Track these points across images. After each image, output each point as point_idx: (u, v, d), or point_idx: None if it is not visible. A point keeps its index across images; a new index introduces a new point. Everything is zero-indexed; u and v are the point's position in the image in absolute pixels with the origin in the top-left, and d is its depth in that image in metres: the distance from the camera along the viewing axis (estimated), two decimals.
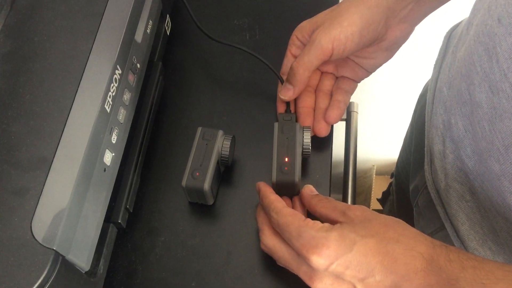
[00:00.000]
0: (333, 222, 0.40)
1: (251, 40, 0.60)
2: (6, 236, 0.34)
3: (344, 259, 0.36)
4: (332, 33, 0.47)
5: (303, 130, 0.48)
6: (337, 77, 0.54)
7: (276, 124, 0.48)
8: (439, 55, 0.59)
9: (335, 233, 0.37)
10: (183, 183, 0.46)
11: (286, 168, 0.45)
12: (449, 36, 0.59)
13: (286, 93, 0.50)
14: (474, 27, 0.44)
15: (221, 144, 0.48)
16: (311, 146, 0.48)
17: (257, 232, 0.47)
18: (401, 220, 0.39)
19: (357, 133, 0.63)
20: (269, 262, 0.46)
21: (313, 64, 0.48)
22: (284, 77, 0.52)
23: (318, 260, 0.36)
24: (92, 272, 0.43)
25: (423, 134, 0.58)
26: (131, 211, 0.49)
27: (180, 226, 0.49)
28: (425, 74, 0.66)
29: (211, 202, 0.49)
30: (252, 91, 0.57)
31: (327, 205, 0.42)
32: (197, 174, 0.46)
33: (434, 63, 0.60)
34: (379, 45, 0.50)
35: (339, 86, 0.53)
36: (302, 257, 0.38)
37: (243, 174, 0.51)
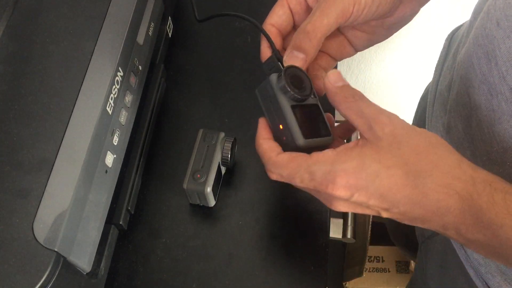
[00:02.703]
0: (355, 130, 0.35)
1: (252, 42, 0.61)
2: (8, 237, 0.34)
3: (365, 191, 0.33)
4: None
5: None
6: None
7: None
8: (440, 57, 0.59)
9: (355, 163, 0.33)
10: (184, 185, 0.46)
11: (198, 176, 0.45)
12: (451, 39, 0.59)
13: (294, 63, 0.39)
14: (474, 30, 0.44)
15: (222, 146, 0.48)
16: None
17: (258, 235, 0.47)
18: (439, 143, 0.34)
19: (358, 134, 0.63)
20: (270, 264, 0.46)
21: (331, 28, 0.39)
22: (274, 34, 0.42)
23: (339, 193, 0.33)
24: (93, 273, 0.43)
25: None
26: (133, 212, 0.49)
27: (181, 228, 0.49)
28: (427, 76, 0.66)
29: (212, 204, 0.49)
30: (253, 93, 0.57)
31: (353, 107, 0.35)
32: (198, 176, 0.46)
33: (435, 65, 0.60)
34: (384, 20, 0.44)
35: (317, 61, 0.45)
36: (321, 191, 0.34)
37: (244, 176, 0.51)
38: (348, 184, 0.32)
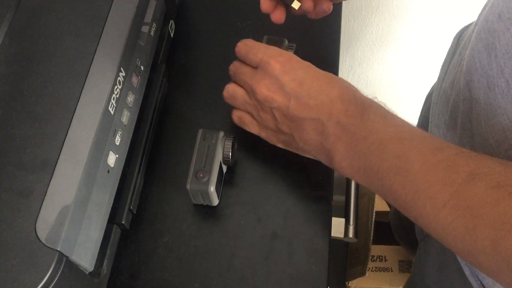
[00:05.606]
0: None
1: None
2: (10, 236, 0.34)
3: (289, 67, 0.43)
4: None
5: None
6: None
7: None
8: (447, 55, 0.59)
9: (288, 55, 0.45)
10: (188, 185, 0.46)
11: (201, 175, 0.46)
12: (459, 37, 0.59)
13: None
14: (478, 24, 0.44)
15: (223, 145, 0.48)
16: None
17: (259, 234, 0.48)
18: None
19: None
20: (272, 264, 0.46)
21: None
22: None
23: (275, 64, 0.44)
24: (95, 272, 0.43)
25: None
26: (135, 212, 0.49)
27: (183, 227, 0.49)
28: (434, 74, 0.66)
29: (216, 203, 0.49)
30: None
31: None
32: (201, 175, 0.46)
33: (441, 64, 0.60)
34: None
35: None
36: (261, 67, 0.45)
37: (245, 175, 0.52)
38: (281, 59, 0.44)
